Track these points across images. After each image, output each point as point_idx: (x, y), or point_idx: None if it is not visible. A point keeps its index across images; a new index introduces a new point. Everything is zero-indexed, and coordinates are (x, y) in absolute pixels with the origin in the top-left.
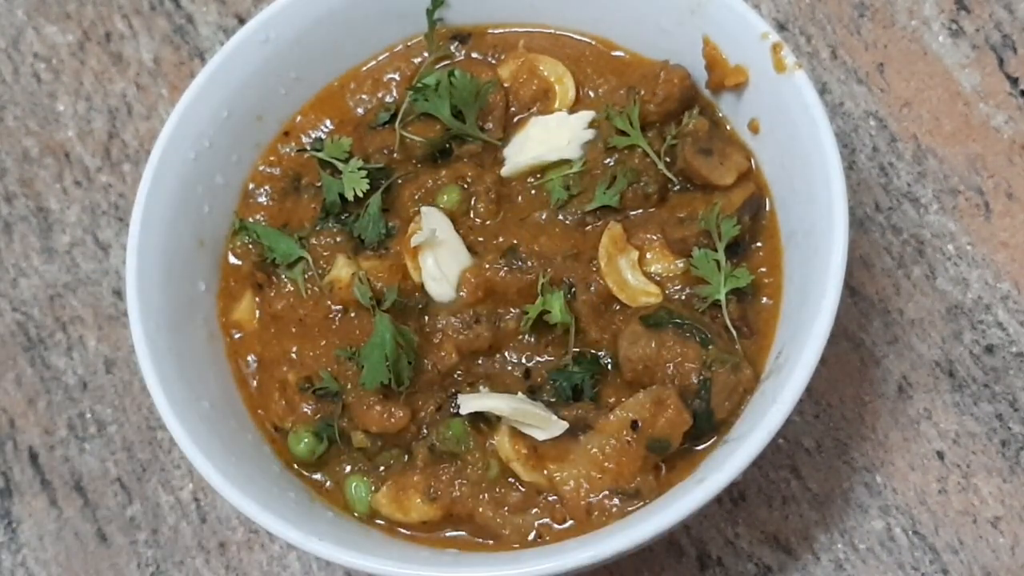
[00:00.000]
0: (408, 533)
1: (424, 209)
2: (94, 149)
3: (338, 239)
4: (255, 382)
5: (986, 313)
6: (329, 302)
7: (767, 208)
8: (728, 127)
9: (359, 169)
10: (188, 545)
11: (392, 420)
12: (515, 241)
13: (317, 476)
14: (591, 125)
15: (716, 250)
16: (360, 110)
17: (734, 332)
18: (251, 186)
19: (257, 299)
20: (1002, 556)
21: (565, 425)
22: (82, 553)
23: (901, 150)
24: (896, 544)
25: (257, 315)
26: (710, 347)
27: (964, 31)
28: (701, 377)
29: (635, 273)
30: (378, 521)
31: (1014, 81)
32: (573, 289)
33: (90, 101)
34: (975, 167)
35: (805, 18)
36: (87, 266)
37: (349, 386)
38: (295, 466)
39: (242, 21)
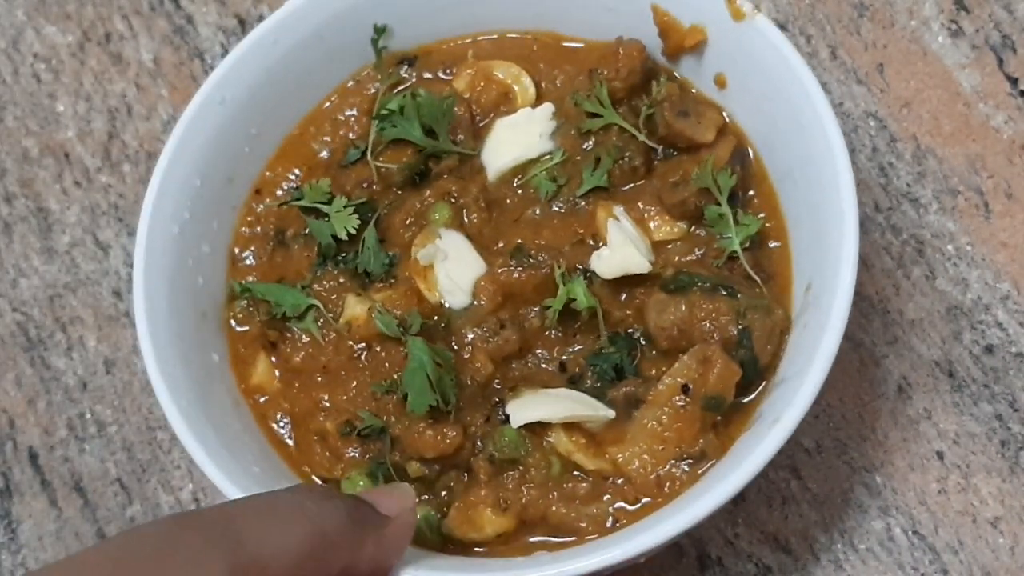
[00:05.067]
0: (484, 551)
1: (442, 231)
2: (94, 149)
3: (341, 280)
4: (291, 441)
5: (986, 313)
6: (350, 342)
7: (751, 156)
8: (693, 89)
9: (345, 207)
10: None
11: (447, 441)
12: (519, 241)
13: None
14: (555, 115)
15: (719, 204)
16: (325, 152)
17: (756, 278)
18: (236, 250)
19: (272, 358)
20: (1002, 556)
21: (612, 413)
22: None
23: (901, 150)
24: (896, 544)
25: (277, 374)
26: (739, 296)
27: (964, 31)
28: (739, 327)
29: (640, 242)
30: (451, 546)
31: (1014, 81)
32: (589, 273)
33: (90, 101)
34: (975, 167)
35: (805, 18)
36: (87, 266)
37: (393, 419)
38: None
39: (242, 22)
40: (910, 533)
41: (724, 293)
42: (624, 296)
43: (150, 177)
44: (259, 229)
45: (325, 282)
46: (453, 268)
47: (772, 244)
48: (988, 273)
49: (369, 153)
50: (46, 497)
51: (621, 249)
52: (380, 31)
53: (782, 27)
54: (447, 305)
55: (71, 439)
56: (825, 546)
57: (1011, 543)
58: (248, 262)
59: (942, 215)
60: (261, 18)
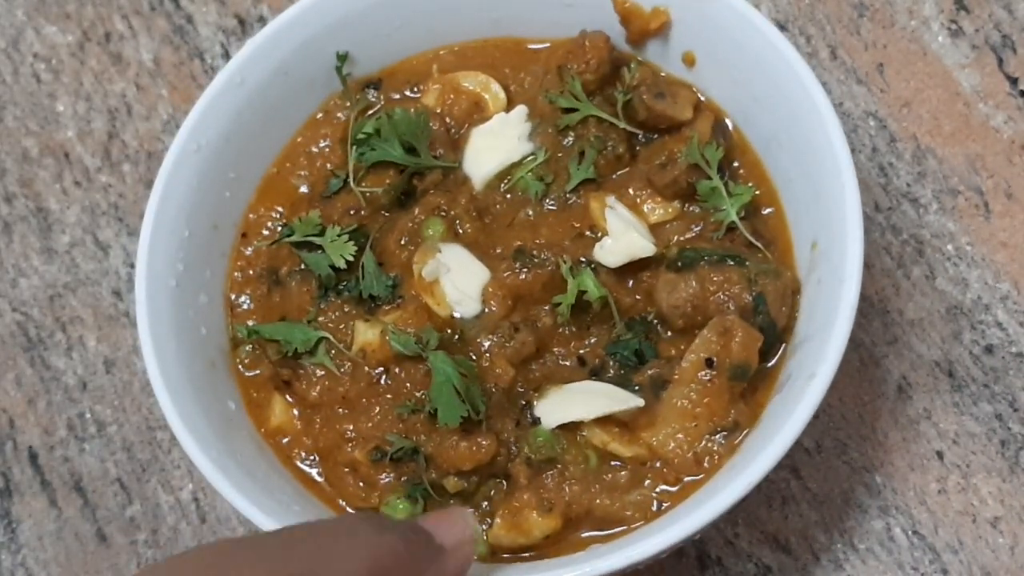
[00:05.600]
0: (531, 555)
1: (442, 245)
2: (94, 149)
3: (346, 308)
4: (321, 478)
5: (985, 313)
6: (367, 368)
7: (730, 128)
8: (662, 72)
9: (339, 236)
10: (188, 545)
11: (482, 450)
12: (519, 243)
13: None
14: (529, 116)
15: (710, 178)
16: (305, 187)
17: (759, 244)
18: (233, 296)
19: (288, 397)
20: (1002, 556)
21: (641, 402)
22: (82, 553)
23: (900, 150)
24: (896, 544)
25: (295, 413)
26: (747, 264)
27: (964, 31)
28: (753, 293)
29: (640, 227)
30: (503, 555)
31: (1014, 81)
32: (593, 264)
33: (90, 101)
34: (975, 167)
35: (805, 18)
36: (87, 266)
37: (423, 437)
38: None
39: (242, 22)
40: (910, 533)
41: (732, 263)
42: (631, 282)
43: (150, 177)
44: (251, 272)
45: (331, 313)
46: (459, 279)
47: (766, 211)
48: (988, 273)
49: (351, 180)
50: (46, 497)
51: (624, 236)
52: (342, 58)
53: (782, 27)
54: (459, 316)
55: (71, 439)
56: (825, 546)
57: (1011, 543)
58: (246, 306)
59: (942, 215)
60: (261, 18)
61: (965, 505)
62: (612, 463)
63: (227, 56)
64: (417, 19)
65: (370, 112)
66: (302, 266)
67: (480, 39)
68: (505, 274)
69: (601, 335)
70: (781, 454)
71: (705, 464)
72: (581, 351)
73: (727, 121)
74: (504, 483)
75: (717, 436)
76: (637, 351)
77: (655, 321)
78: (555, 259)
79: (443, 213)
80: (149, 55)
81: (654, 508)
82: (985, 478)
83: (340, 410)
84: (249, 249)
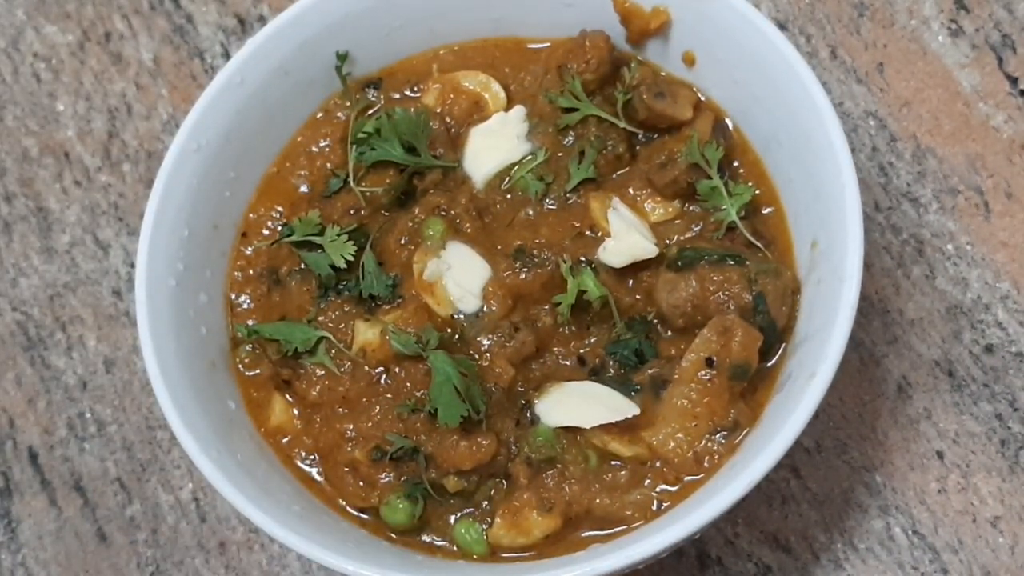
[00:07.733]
0: (531, 555)
1: (448, 244)
2: (94, 149)
3: (346, 308)
4: (320, 477)
5: (985, 313)
6: (367, 368)
7: (730, 127)
8: (662, 72)
9: (339, 235)
10: (188, 545)
11: (482, 450)
12: (519, 242)
13: (425, 538)
14: (528, 116)
15: (710, 178)
16: (304, 186)
17: (758, 244)
18: (233, 295)
19: (288, 397)
20: (1001, 556)
21: (637, 410)
22: (82, 553)
23: (900, 150)
24: (895, 543)
25: (295, 413)
26: (747, 263)
27: (964, 31)
28: (753, 292)
29: (641, 228)
30: (503, 554)
31: (1013, 81)
32: (593, 264)
33: (90, 101)
34: (974, 167)
35: (805, 18)
36: (87, 266)
37: (424, 437)
38: (396, 536)
39: (241, 21)
40: (910, 532)
41: (732, 263)
42: (631, 282)
43: (150, 177)
44: (252, 272)
45: (331, 313)
46: (460, 276)
47: (766, 210)
48: (988, 272)
49: (351, 179)
50: (46, 496)
51: (626, 237)
52: (342, 57)
53: (782, 27)
54: (460, 313)
55: (71, 438)
56: (825, 545)
57: (1011, 542)
58: (246, 306)
59: (942, 215)
60: (261, 18)
61: (965, 505)
62: (612, 463)
63: (227, 56)
64: (417, 19)
65: (370, 112)
66: (302, 266)
67: (480, 39)
68: (505, 274)
69: (601, 335)
70: (781, 454)
71: (705, 464)
72: (581, 351)
73: (727, 121)
74: (504, 483)
75: (717, 436)
76: (637, 351)
77: (655, 321)
78: (555, 259)
79: (443, 213)
80: (149, 55)
81: (654, 508)
82: (985, 478)
83: (340, 410)
84: (249, 249)
